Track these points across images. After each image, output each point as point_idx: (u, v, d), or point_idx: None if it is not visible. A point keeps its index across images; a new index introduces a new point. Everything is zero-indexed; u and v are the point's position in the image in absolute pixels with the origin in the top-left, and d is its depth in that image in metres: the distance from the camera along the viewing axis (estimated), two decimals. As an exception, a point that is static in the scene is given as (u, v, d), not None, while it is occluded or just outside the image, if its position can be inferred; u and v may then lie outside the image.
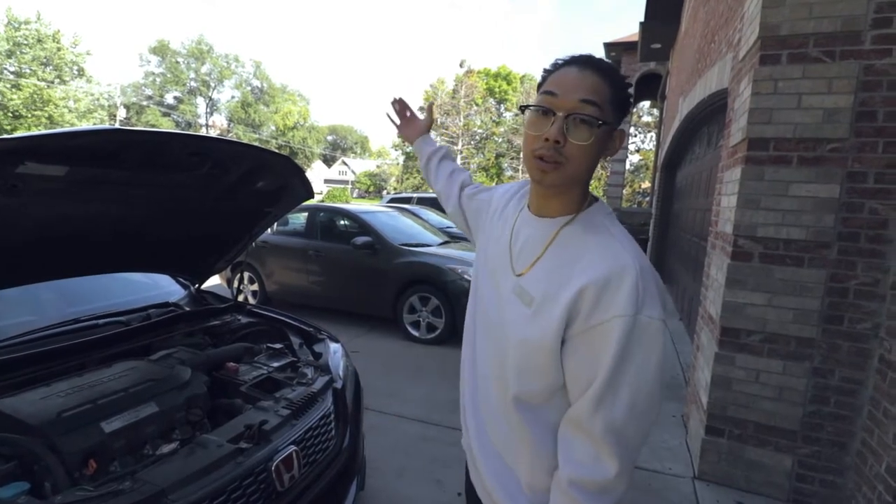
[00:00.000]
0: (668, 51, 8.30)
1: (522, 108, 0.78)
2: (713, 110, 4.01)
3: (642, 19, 7.49)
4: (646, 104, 22.84)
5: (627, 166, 18.11)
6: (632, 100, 0.79)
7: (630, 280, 0.67)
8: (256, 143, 2.01)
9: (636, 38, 8.90)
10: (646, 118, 28.46)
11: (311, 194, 1.99)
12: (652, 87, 10.81)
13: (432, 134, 1.38)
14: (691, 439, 2.64)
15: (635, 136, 28.53)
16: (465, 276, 4.35)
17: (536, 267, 0.79)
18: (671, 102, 7.27)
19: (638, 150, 29.75)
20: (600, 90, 0.71)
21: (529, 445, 0.78)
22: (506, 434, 0.82)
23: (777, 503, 2.19)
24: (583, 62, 0.74)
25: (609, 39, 11.41)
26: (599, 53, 0.81)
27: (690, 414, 2.75)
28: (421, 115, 1.34)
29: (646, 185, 27.81)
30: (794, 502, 2.18)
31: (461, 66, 32.73)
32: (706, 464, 2.36)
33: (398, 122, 1.38)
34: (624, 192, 16.72)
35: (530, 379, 0.76)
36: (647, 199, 21.36)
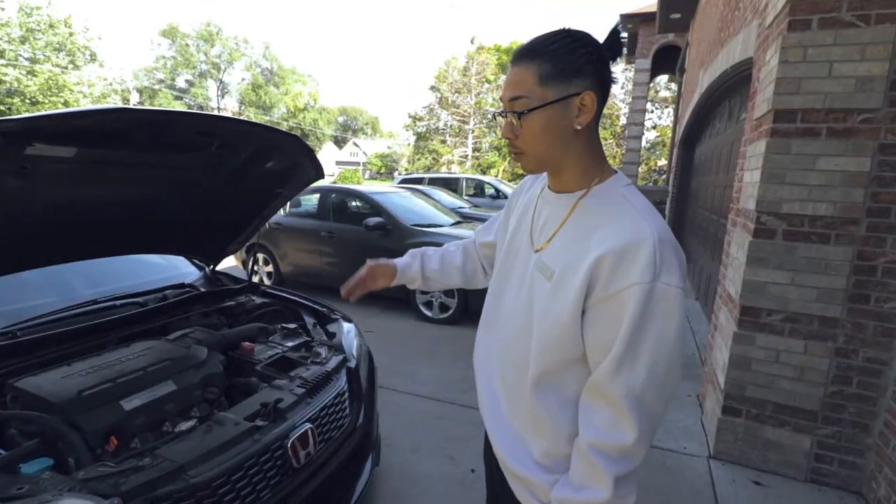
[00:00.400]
0: (689, 21, 7.97)
1: (494, 116, 0.79)
2: (736, 82, 3.85)
3: (661, -12, 7.18)
4: (663, 78, 22.14)
5: (643, 143, 17.67)
6: (595, 49, 0.73)
7: (648, 248, 0.67)
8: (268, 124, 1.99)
9: (654, 9, 8.57)
10: (663, 93, 27.64)
11: (320, 174, 1.97)
12: (670, 60, 10.44)
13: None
14: (707, 419, 2.61)
15: (652, 111, 27.76)
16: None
17: (555, 240, 0.80)
18: (691, 75, 7.02)
19: (654, 127, 28.98)
20: (524, 78, 0.73)
21: (550, 418, 0.79)
22: (525, 410, 0.82)
23: (794, 483, 2.17)
24: (513, 57, 0.76)
25: (627, 10, 10.99)
26: (614, 24, 0.76)
27: (706, 394, 2.72)
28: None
29: (662, 162, 27.17)
30: (813, 482, 2.16)
31: (472, 42, 32.00)
32: (722, 443, 2.34)
33: (362, 290, 1.23)
34: (640, 169, 16.37)
35: (552, 353, 0.77)
36: (664, 176, 20.93)
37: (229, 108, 48.30)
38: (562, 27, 0.76)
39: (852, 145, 1.94)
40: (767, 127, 2.11)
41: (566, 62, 0.72)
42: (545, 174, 0.89)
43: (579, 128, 0.74)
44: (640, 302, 0.67)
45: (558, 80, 0.72)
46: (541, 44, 0.74)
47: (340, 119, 66.93)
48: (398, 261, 1.21)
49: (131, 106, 1.26)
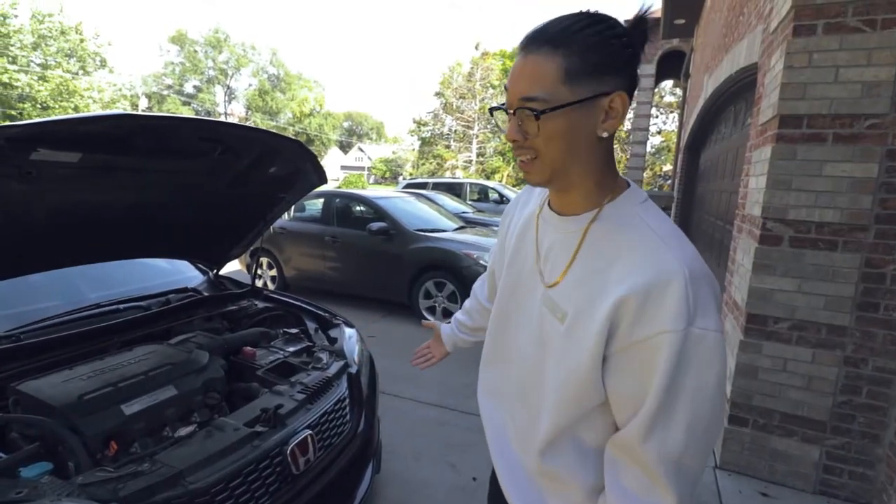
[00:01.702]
0: (693, 26, 7.97)
1: (491, 111, 0.69)
2: (741, 87, 3.83)
3: (666, -6, 7.17)
4: (668, 83, 22.13)
5: (648, 148, 17.63)
6: (630, 42, 0.60)
7: (678, 288, 0.57)
8: (273, 130, 2.00)
9: (658, 14, 8.57)
10: (668, 98, 27.60)
11: (323, 179, 1.97)
12: (675, 65, 10.42)
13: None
14: (713, 427, 2.58)
15: (657, 116, 27.72)
16: (481, 262, 4.31)
17: (568, 276, 0.68)
18: (695, 80, 7.01)
19: (659, 132, 28.92)
20: (545, 72, 0.59)
21: (568, 473, 0.70)
22: (539, 462, 0.73)
23: (803, 494, 2.13)
24: (523, 45, 0.62)
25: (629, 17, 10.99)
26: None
27: (712, 402, 2.68)
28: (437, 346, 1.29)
29: (667, 167, 27.10)
30: (821, 494, 2.12)
31: (476, 48, 32.17)
32: (728, 453, 2.30)
33: (434, 354, 1.29)
34: (644, 175, 16.33)
35: (568, 407, 0.67)
36: (669, 181, 20.85)
37: (236, 113, 48.76)
38: (584, 9, 0.62)
39: (859, 151, 1.92)
40: (773, 132, 2.09)
41: (599, 55, 0.59)
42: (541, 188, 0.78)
43: (605, 135, 0.62)
44: (673, 353, 0.56)
45: (587, 76, 0.59)
46: (566, 29, 0.59)
47: (346, 124, 67.38)
48: (444, 338, 1.26)
49: (134, 112, 1.27)
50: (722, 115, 5.23)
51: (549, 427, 0.69)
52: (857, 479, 2.05)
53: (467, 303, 1.20)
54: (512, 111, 0.63)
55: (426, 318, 4.57)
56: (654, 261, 0.59)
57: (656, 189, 23.52)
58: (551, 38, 0.60)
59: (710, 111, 5.35)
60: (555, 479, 0.72)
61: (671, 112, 27.45)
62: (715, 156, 5.46)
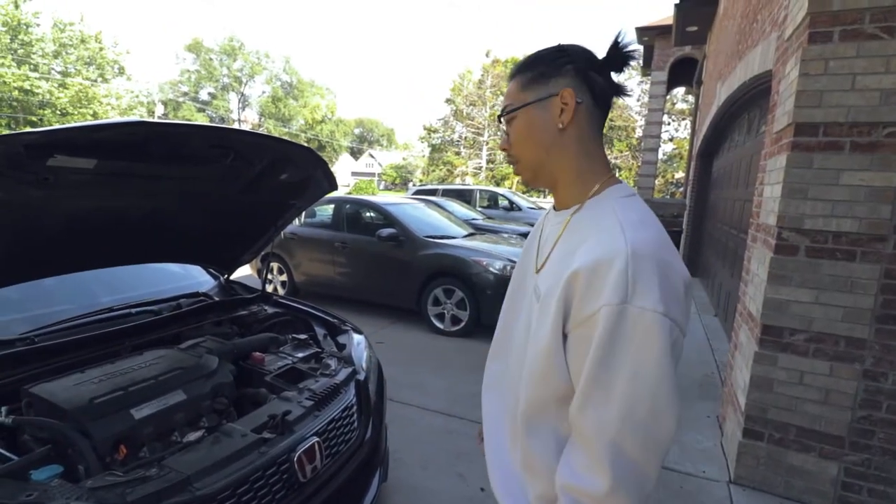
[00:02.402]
0: (705, 33, 7.92)
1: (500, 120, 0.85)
2: (755, 95, 3.79)
3: (677, 1, 7.16)
4: (680, 90, 21.99)
5: (660, 155, 17.49)
6: (575, 51, 0.75)
7: (619, 264, 0.59)
8: (286, 137, 2.01)
9: (670, 22, 8.54)
10: (680, 105, 27.41)
11: (334, 186, 1.98)
12: (687, 72, 10.36)
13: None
14: (727, 442, 2.52)
15: (668, 124, 27.52)
16: (490, 269, 4.30)
17: (549, 261, 0.76)
18: (708, 88, 6.95)
19: (671, 139, 28.71)
20: (512, 90, 0.77)
21: (544, 458, 0.72)
22: (521, 447, 0.76)
23: (820, 511, 2.07)
24: (509, 77, 0.81)
25: (642, 24, 10.97)
26: (631, 36, 0.76)
27: (727, 415, 2.63)
28: None
29: (679, 174, 26.84)
30: (840, 511, 2.06)
31: (487, 55, 32.32)
32: (743, 468, 2.25)
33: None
34: (656, 182, 16.18)
35: (537, 384, 0.71)
36: (681, 189, 20.64)
37: (249, 119, 49.49)
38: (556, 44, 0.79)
39: (878, 160, 1.88)
40: (788, 140, 2.06)
41: (545, 67, 0.74)
42: None
43: (561, 126, 0.73)
44: (607, 327, 0.59)
45: (537, 82, 0.74)
46: (529, 57, 0.78)
47: (357, 131, 68.00)
48: None
49: (149, 119, 1.29)
50: (735, 123, 5.18)
51: (524, 405, 0.73)
52: (877, 496, 1.99)
53: None
54: (499, 125, 0.84)
55: (435, 324, 4.55)
56: (607, 241, 0.64)
57: (668, 196, 23.30)
58: (520, 66, 0.78)
59: (724, 119, 5.30)
60: (534, 469, 0.74)
61: (683, 119, 27.25)
62: (728, 163, 5.39)
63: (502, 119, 0.80)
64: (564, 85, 0.72)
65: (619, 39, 0.72)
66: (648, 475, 0.62)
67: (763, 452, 2.20)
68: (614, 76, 0.75)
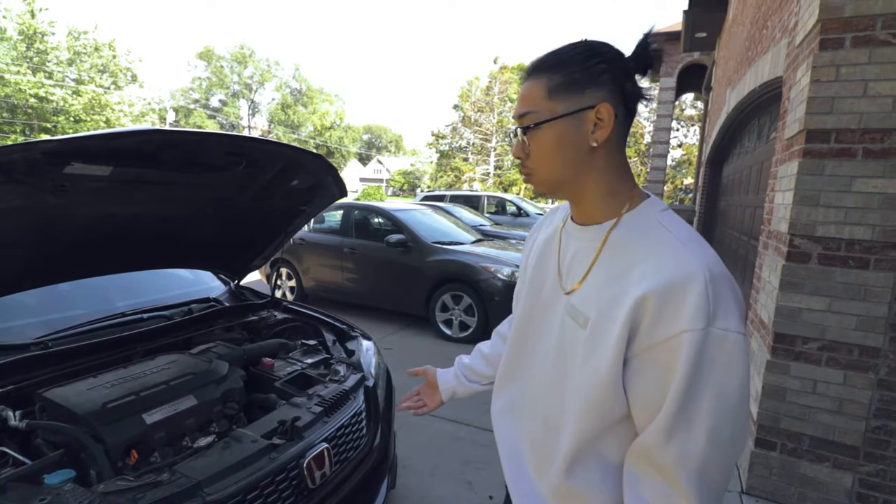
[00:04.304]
0: (714, 39, 7.90)
1: (507, 135, 0.76)
2: (765, 101, 3.77)
3: (686, 7, 7.15)
4: (689, 96, 21.91)
5: (669, 161, 17.41)
6: (613, 58, 0.66)
7: (698, 287, 0.57)
8: (295, 144, 2.04)
9: (679, 28, 8.53)
10: (689, 111, 27.30)
11: (344, 193, 1.99)
12: (696, 78, 10.33)
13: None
14: (738, 450, 2.48)
15: (677, 129, 27.41)
16: (498, 275, 4.29)
17: (587, 281, 0.69)
18: (717, 94, 6.92)
19: (680, 145, 28.57)
20: (533, 93, 0.68)
21: (591, 492, 0.68)
22: (557, 481, 0.71)
23: (835, 524, 2.03)
24: (523, 74, 0.71)
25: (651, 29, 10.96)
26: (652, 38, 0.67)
27: (737, 423, 2.59)
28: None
29: (688, 181, 26.68)
30: (855, 524, 2.02)
31: (495, 62, 32.45)
32: (755, 478, 2.21)
33: (427, 403, 1.21)
34: (665, 188, 16.10)
35: (592, 416, 0.66)
36: (690, 195, 20.51)
37: (259, 126, 50.03)
38: (579, 40, 0.69)
39: (891, 166, 1.86)
40: (799, 147, 2.05)
41: (578, 72, 0.65)
42: (566, 204, 0.80)
43: (595, 145, 0.66)
44: (692, 353, 0.56)
45: (569, 91, 0.65)
46: (552, 55, 0.68)
47: (365, 137, 68.47)
48: (442, 390, 1.17)
49: (163, 127, 1.31)
50: (745, 129, 5.15)
51: (572, 440, 0.68)
52: (894, 509, 1.95)
53: (486, 347, 1.12)
54: (514, 132, 0.72)
55: (444, 330, 4.55)
56: (674, 262, 0.60)
57: (677, 203, 23.16)
58: (540, 65, 0.68)
59: (733, 125, 5.27)
60: (575, 499, 0.70)
61: (692, 125, 27.13)
62: (738, 170, 5.36)
63: (516, 128, 0.71)
64: (602, 98, 0.65)
65: (648, 39, 0.67)
66: (723, 490, 0.62)
67: (776, 462, 2.16)
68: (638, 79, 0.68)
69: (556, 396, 0.71)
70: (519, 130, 0.70)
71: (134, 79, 26.56)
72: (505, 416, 0.86)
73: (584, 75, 0.65)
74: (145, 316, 1.99)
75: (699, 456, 0.57)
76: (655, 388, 0.59)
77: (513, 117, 0.73)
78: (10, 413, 1.31)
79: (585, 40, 0.68)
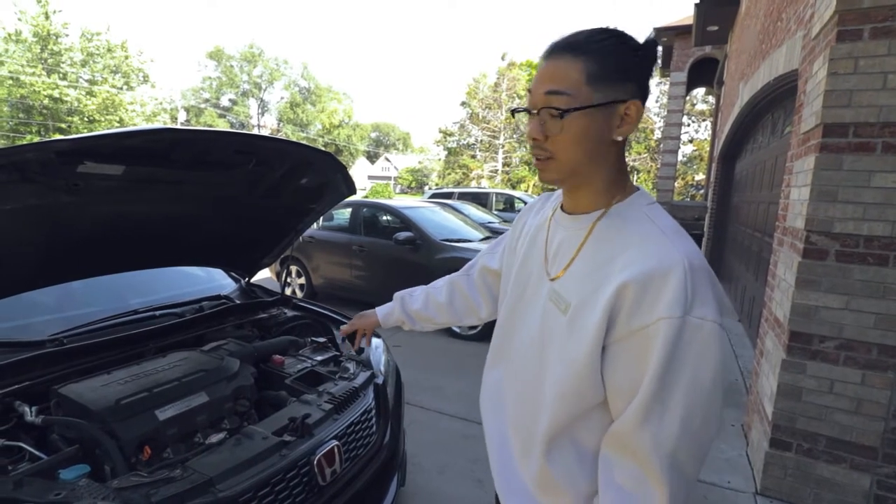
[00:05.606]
0: (726, 33, 7.77)
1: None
2: (779, 95, 3.70)
3: (697, 0, 7.04)
4: (700, 91, 21.60)
5: (680, 157, 17.20)
6: (643, 55, 0.65)
7: (677, 276, 0.59)
8: (304, 142, 2.04)
9: (690, 22, 8.40)
10: (700, 106, 26.94)
11: (353, 190, 1.99)
12: (707, 72, 10.18)
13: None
14: (753, 451, 2.45)
15: (688, 125, 27.07)
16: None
17: (571, 268, 0.71)
18: (730, 88, 6.81)
19: (691, 141, 28.20)
20: (568, 74, 0.64)
21: (567, 476, 0.70)
22: (538, 466, 0.73)
23: (852, 525, 2.00)
24: (550, 50, 0.66)
25: (661, 24, 10.83)
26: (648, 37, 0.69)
27: (752, 424, 2.56)
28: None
29: (700, 176, 26.35)
30: (873, 526, 1.98)
31: (503, 59, 32.28)
32: (770, 479, 2.18)
33: (360, 326, 1.27)
34: (676, 184, 15.92)
35: (569, 401, 0.67)
36: (701, 191, 20.25)
37: (268, 125, 50.38)
38: (603, 26, 0.68)
39: (912, 161, 1.81)
40: (816, 142, 2.00)
41: (615, 63, 0.64)
42: (558, 193, 0.82)
43: (620, 139, 0.66)
44: (668, 340, 0.57)
45: (607, 82, 0.63)
46: (587, 39, 0.65)
47: (373, 135, 68.61)
48: (379, 308, 1.25)
49: (175, 126, 1.31)
50: (759, 124, 5.07)
51: (549, 424, 0.70)
52: (913, 512, 1.91)
53: (425, 297, 1.22)
54: (536, 111, 0.66)
55: (452, 328, 4.55)
56: (656, 251, 0.62)
57: (688, 199, 22.87)
58: (574, 45, 0.65)
59: (746, 119, 5.19)
60: (553, 489, 0.71)
61: (703, 120, 26.78)
62: (752, 165, 5.27)
63: (540, 108, 0.66)
64: (632, 93, 0.65)
65: (655, 39, 0.69)
66: (693, 479, 0.63)
67: (791, 463, 2.13)
68: None
69: (537, 380, 0.73)
70: (544, 110, 0.65)
71: (146, 79, 26.86)
72: (490, 402, 0.88)
73: (620, 67, 0.64)
74: (157, 313, 2.01)
75: (671, 441, 0.59)
76: (632, 374, 0.61)
77: (530, 92, 0.68)
78: (27, 409, 1.34)
79: (613, 29, 0.66)
